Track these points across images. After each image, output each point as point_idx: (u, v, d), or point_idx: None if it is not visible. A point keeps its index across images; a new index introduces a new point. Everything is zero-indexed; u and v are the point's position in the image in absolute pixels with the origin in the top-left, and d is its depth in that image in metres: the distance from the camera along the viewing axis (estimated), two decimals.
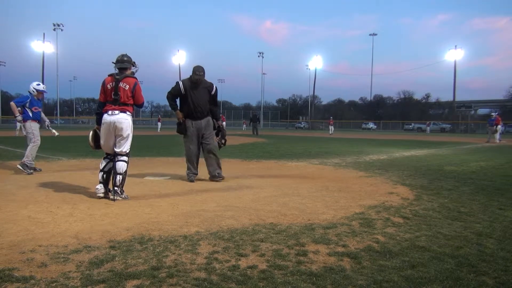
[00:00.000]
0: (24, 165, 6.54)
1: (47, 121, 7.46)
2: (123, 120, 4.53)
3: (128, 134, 4.59)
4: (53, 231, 3.14)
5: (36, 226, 3.28)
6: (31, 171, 6.54)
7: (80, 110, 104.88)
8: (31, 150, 6.70)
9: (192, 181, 5.85)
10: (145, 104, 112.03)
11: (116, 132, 4.53)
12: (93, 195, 4.61)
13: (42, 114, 7.19)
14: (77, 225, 3.34)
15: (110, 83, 4.55)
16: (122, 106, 4.54)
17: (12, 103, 6.85)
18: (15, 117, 6.86)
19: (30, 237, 2.95)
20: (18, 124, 22.70)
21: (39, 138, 6.91)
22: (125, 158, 4.58)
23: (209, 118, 5.98)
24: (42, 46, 47.92)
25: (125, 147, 4.59)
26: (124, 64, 4.61)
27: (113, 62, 4.67)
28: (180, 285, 2.15)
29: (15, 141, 15.95)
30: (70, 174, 6.56)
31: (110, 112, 4.51)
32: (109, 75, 4.64)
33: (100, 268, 2.36)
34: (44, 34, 48.89)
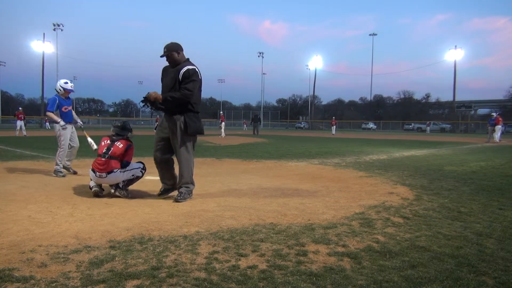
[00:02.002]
0: (55, 172, 6.29)
1: (79, 122, 7.03)
2: (113, 180, 4.60)
3: (126, 173, 4.66)
4: (53, 231, 3.14)
5: (36, 226, 3.28)
6: (62, 174, 6.27)
7: (80, 110, 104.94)
8: (58, 156, 6.37)
9: (159, 194, 4.66)
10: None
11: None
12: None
13: (74, 114, 6.79)
14: (77, 225, 3.34)
15: (105, 141, 4.77)
16: (110, 160, 4.57)
17: (48, 113, 6.41)
18: (58, 122, 6.41)
19: (30, 237, 2.95)
20: (18, 124, 22.85)
21: (66, 143, 6.48)
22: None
23: (181, 117, 4.39)
24: (42, 46, 47.76)
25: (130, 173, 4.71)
26: (123, 131, 4.84)
27: (113, 126, 4.91)
28: (180, 285, 2.15)
29: (15, 141, 15.94)
30: (70, 174, 6.56)
31: (98, 175, 4.54)
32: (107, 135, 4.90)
33: (100, 268, 2.36)
34: (44, 34, 48.68)
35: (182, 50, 4.48)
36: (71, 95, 6.85)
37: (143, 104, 4.39)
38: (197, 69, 4.39)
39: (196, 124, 4.47)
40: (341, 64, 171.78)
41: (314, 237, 3.04)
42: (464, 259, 2.60)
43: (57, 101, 6.42)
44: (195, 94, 4.36)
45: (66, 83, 6.50)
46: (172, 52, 4.40)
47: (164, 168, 4.62)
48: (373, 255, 2.66)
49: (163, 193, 4.67)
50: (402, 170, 7.52)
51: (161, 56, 4.45)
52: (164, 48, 4.43)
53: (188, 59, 4.54)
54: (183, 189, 4.47)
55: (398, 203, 4.39)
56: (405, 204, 4.34)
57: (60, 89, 6.48)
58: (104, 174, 4.52)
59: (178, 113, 4.40)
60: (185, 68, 4.31)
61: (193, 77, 4.31)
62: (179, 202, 4.33)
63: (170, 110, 4.43)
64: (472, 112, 60.56)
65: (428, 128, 48.86)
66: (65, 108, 6.51)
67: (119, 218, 3.59)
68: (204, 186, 5.44)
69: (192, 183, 4.56)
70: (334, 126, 35.77)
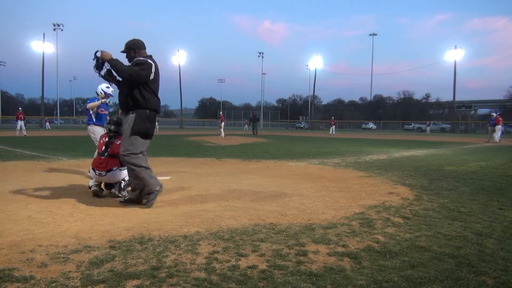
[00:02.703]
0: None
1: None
2: (112, 178, 4.61)
3: (126, 171, 4.61)
4: (53, 231, 3.14)
5: (36, 226, 3.28)
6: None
7: (80, 110, 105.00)
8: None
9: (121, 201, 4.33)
10: None
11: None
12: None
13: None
14: (77, 225, 3.34)
15: (103, 139, 4.81)
16: (109, 158, 4.58)
17: (89, 105, 6.43)
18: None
19: (30, 237, 2.95)
20: (18, 124, 22.86)
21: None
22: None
23: (132, 116, 4.16)
24: (42, 46, 47.72)
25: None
26: (120, 128, 4.75)
27: (107, 122, 4.90)
28: (180, 285, 2.15)
29: (15, 141, 15.93)
30: (70, 174, 6.56)
31: (98, 173, 4.56)
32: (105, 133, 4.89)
33: (100, 268, 2.36)
34: (44, 34, 48.61)
35: (141, 48, 4.28)
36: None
37: (94, 58, 4.16)
38: (149, 62, 4.12)
39: (145, 124, 4.15)
40: (341, 64, 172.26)
41: (314, 237, 3.04)
42: (464, 259, 2.60)
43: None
44: (134, 77, 4.04)
45: (107, 87, 6.48)
46: (129, 49, 4.28)
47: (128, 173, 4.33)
48: (373, 255, 2.66)
49: (126, 202, 4.24)
50: (402, 170, 7.52)
51: (121, 52, 4.31)
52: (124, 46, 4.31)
53: (149, 56, 4.28)
54: (121, 193, 4.27)
55: (398, 203, 4.39)
56: (405, 204, 4.34)
57: (101, 92, 6.49)
58: (103, 173, 4.53)
59: (131, 111, 4.18)
60: (135, 60, 4.17)
61: (140, 65, 4.08)
62: (146, 205, 4.09)
63: (125, 106, 4.22)
64: (472, 112, 60.55)
65: (428, 128, 48.88)
66: (102, 111, 6.53)
67: (119, 218, 3.59)
68: (204, 186, 5.44)
69: (152, 185, 4.14)
70: (333, 126, 35.81)
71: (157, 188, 4.22)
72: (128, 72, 4.05)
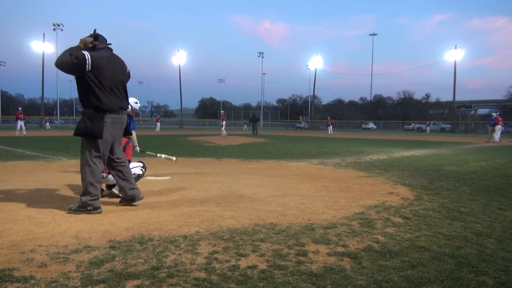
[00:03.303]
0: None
1: (137, 147, 6.44)
2: (114, 180, 4.52)
3: None
4: (53, 231, 3.14)
5: (36, 226, 3.28)
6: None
7: (80, 110, 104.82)
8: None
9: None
10: (145, 104, 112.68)
11: None
12: None
13: (134, 135, 6.01)
14: (77, 225, 3.34)
15: None
16: None
17: None
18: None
19: (30, 237, 2.95)
20: (18, 124, 22.85)
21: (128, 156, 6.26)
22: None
23: (82, 117, 3.91)
24: (42, 46, 47.73)
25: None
26: None
27: None
28: (180, 285, 2.15)
29: (15, 141, 15.94)
30: (70, 174, 6.56)
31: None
32: None
33: (100, 268, 2.36)
34: (44, 34, 48.68)
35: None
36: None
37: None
38: (81, 53, 3.69)
39: (85, 125, 3.79)
40: (341, 64, 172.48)
41: (314, 237, 3.04)
42: (464, 259, 2.60)
43: None
44: (60, 67, 3.67)
45: (136, 103, 6.16)
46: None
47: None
48: (373, 255, 2.66)
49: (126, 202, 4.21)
50: (402, 170, 7.52)
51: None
52: None
53: (102, 48, 3.94)
54: (79, 200, 3.83)
55: (398, 203, 4.39)
56: (405, 204, 4.34)
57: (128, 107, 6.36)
58: (105, 175, 4.52)
59: (84, 110, 3.90)
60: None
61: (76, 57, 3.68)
62: (70, 209, 3.82)
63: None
64: (472, 112, 60.58)
65: (428, 128, 48.93)
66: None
67: (119, 218, 3.59)
68: (204, 186, 5.44)
69: (87, 194, 3.78)
70: (331, 126, 36.56)
71: (91, 209, 3.76)
72: (57, 60, 3.66)
